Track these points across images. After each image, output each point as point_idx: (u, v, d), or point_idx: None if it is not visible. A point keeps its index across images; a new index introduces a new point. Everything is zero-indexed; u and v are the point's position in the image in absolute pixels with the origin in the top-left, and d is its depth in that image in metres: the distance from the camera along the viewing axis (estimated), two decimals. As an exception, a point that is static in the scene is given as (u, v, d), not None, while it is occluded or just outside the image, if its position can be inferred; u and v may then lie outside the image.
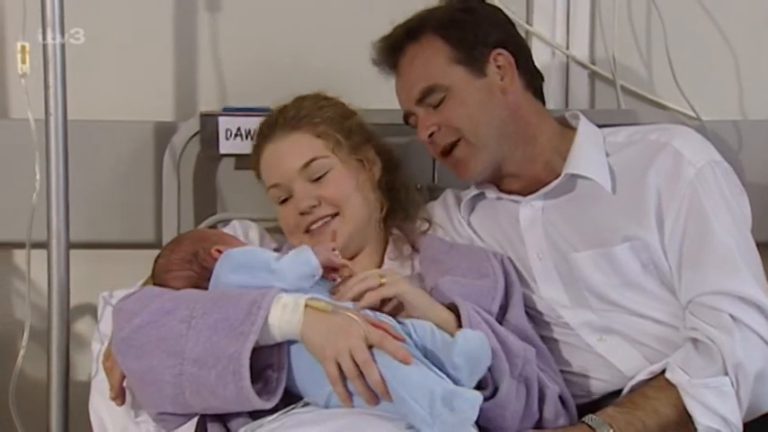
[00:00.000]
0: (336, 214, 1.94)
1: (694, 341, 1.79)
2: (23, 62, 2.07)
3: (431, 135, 1.96)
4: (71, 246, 2.14)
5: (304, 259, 1.74)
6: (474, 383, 1.65)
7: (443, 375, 1.62)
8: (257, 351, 1.64)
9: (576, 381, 1.90)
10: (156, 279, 1.86)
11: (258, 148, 2.04)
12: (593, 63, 2.44)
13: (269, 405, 1.63)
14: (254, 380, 1.63)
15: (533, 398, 1.76)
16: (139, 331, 1.67)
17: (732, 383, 1.74)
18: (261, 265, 1.73)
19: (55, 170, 2.07)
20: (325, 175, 1.95)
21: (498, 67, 1.96)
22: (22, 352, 2.19)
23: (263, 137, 2.03)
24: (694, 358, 1.77)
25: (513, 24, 2.05)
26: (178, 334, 1.64)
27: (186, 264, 1.83)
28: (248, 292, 1.67)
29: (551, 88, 2.42)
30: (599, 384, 1.90)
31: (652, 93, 2.44)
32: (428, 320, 1.72)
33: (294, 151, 1.97)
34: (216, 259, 1.78)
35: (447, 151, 1.96)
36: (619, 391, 1.85)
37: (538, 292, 1.95)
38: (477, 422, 1.63)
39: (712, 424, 1.73)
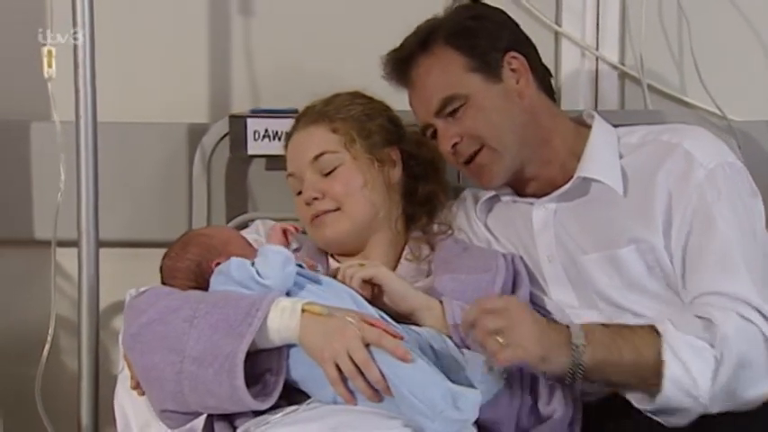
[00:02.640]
0: (337, 209, 1.96)
1: (695, 314, 1.76)
2: (50, 66, 2.12)
3: (453, 146, 1.95)
4: (105, 244, 2.21)
5: (273, 251, 1.76)
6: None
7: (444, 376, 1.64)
8: (257, 355, 1.68)
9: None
10: (164, 280, 1.89)
11: (287, 138, 2.09)
12: (623, 64, 2.42)
13: (263, 406, 1.65)
14: (252, 383, 1.66)
15: (526, 384, 1.76)
16: (146, 328, 1.71)
17: (716, 358, 1.69)
18: (249, 276, 1.75)
19: (84, 171, 2.12)
20: (334, 170, 1.97)
21: (513, 70, 1.96)
22: (47, 347, 2.26)
23: (291, 128, 2.08)
24: (689, 320, 1.74)
25: (518, 25, 2.04)
26: (181, 332, 1.67)
27: (190, 274, 1.86)
28: (249, 295, 1.70)
29: (581, 89, 2.43)
30: None
31: (683, 93, 2.42)
32: (406, 306, 1.78)
33: (308, 143, 2.00)
34: None
35: (469, 159, 1.96)
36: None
37: (548, 293, 1.95)
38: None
39: (681, 378, 1.68)
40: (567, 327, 1.71)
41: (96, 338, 2.17)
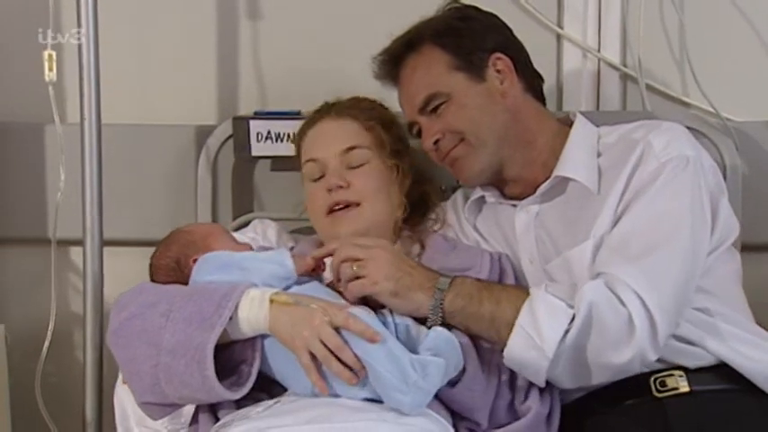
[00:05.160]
0: (358, 205, 1.98)
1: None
2: (50, 69, 2.16)
3: (435, 142, 1.98)
4: (112, 244, 2.26)
5: (279, 260, 1.81)
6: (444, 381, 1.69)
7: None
8: (233, 347, 1.72)
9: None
10: (152, 275, 1.95)
11: (307, 125, 2.10)
12: (625, 65, 2.43)
13: (235, 396, 1.70)
14: (228, 374, 1.70)
15: (504, 377, 1.79)
16: (126, 324, 1.76)
17: (571, 316, 1.71)
18: (234, 264, 1.79)
19: (89, 173, 2.16)
20: (361, 166, 2.00)
21: (497, 71, 1.99)
22: (47, 343, 2.32)
23: (317, 115, 2.10)
24: (565, 289, 1.77)
25: (509, 29, 2.07)
26: (158, 326, 1.72)
27: (170, 271, 1.91)
28: (222, 287, 1.74)
29: (583, 91, 2.44)
30: None
31: (681, 94, 2.42)
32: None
33: (341, 133, 2.03)
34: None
35: (448, 155, 1.99)
36: (613, 385, 1.82)
37: (531, 294, 1.97)
38: (448, 407, 1.72)
39: (527, 327, 1.72)
40: (441, 275, 1.79)
41: (101, 335, 2.20)
